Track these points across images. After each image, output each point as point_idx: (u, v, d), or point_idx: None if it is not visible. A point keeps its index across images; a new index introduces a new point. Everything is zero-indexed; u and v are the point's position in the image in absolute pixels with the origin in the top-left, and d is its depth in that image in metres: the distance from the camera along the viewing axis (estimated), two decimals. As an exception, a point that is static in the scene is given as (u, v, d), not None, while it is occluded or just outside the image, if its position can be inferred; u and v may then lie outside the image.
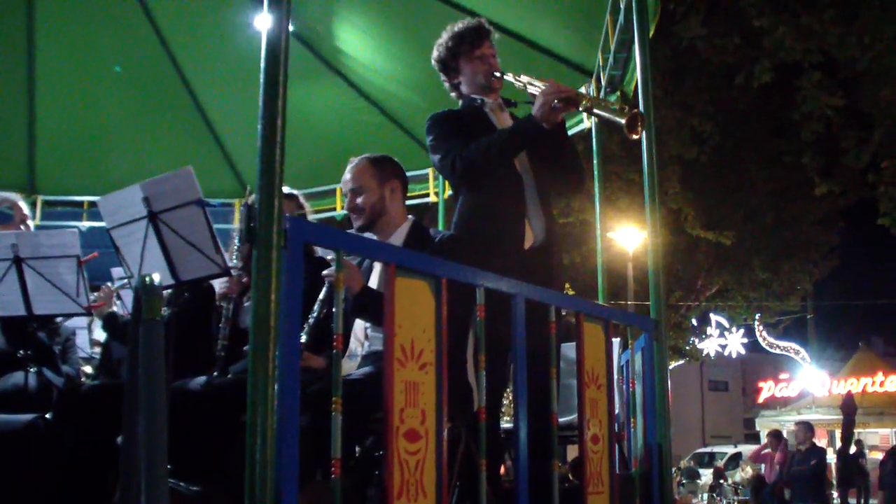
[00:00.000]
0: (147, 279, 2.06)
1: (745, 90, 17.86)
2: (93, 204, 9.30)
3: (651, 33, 5.05)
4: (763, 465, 15.43)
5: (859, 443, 22.66)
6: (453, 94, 4.70)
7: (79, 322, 5.81)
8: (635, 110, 4.11)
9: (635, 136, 4.11)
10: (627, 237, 21.37)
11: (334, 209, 9.22)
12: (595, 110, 4.23)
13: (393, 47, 7.53)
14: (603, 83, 6.66)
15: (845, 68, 15.86)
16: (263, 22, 2.68)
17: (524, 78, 4.42)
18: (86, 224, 9.06)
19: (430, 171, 8.68)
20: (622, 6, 5.79)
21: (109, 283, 5.10)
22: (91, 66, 7.91)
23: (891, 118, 16.10)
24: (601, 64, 6.67)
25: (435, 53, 4.65)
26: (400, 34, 7.31)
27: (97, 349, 6.24)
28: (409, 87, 7.89)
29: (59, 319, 5.26)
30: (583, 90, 7.05)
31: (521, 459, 3.38)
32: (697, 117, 18.89)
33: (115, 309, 5.04)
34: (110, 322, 4.81)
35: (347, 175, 4.27)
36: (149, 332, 1.95)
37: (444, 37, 4.59)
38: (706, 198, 21.38)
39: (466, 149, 4.22)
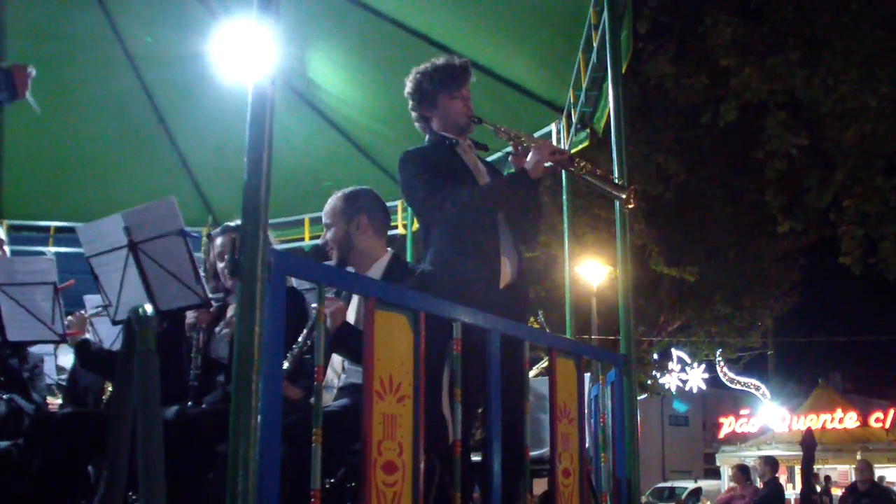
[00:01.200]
0: (140, 310, 2.08)
1: (711, 129, 18.07)
2: (60, 230, 9.25)
3: (623, 70, 5.13)
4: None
5: (827, 479, 22.84)
6: (418, 125, 4.71)
7: (45, 348, 5.78)
8: (633, 187, 4.23)
9: (631, 207, 4.21)
10: (592, 272, 21.49)
11: (302, 239, 9.24)
12: (587, 177, 4.30)
13: (365, 79, 7.56)
14: (574, 120, 6.74)
15: (809, 109, 16.09)
16: (252, 61, 2.71)
17: (513, 132, 4.49)
18: (52, 249, 8.99)
19: (398, 203, 8.72)
20: (595, 45, 5.87)
21: (83, 311, 5.07)
22: (62, 92, 7.87)
23: (853, 158, 16.32)
24: (572, 101, 6.75)
25: (413, 84, 4.63)
26: (372, 66, 7.34)
27: (63, 375, 6.19)
28: (380, 119, 7.93)
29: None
30: (553, 128, 7.17)
31: (494, 492, 3.41)
32: (663, 154, 19.08)
33: (87, 336, 5.01)
34: (83, 349, 4.76)
35: (322, 212, 4.38)
36: (144, 364, 1.97)
37: (427, 68, 4.57)
38: (670, 234, 21.56)
39: (458, 195, 4.24)
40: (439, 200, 4.26)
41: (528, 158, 4.32)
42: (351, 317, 4.05)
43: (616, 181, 4.35)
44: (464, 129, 4.57)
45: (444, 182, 4.30)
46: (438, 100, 4.55)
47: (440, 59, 4.59)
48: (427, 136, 4.67)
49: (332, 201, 4.33)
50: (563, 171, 6.81)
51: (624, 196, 4.20)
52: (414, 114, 4.69)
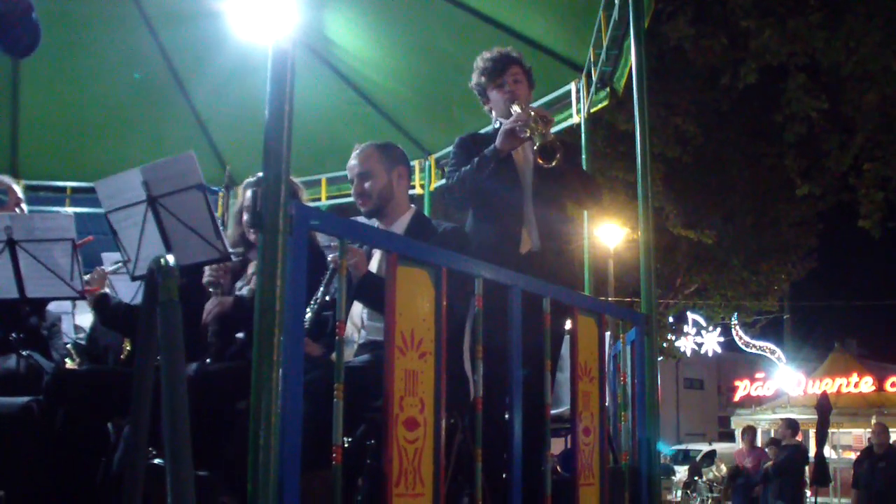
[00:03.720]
0: (163, 260, 2.05)
1: (729, 92, 17.94)
2: (76, 190, 9.24)
3: (646, 24, 5.10)
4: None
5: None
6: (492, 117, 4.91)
7: (64, 307, 5.77)
8: (555, 140, 4.24)
9: (543, 163, 4.23)
10: (609, 234, 21.43)
11: (319, 199, 9.21)
12: (533, 137, 4.30)
13: (383, 38, 7.51)
14: (594, 79, 6.68)
15: (829, 72, 15.95)
16: (270, 20, 2.68)
17: (515, 107, 4.54)
18: (68, 209, 8.97)
19: (416, 163, 8.69)
20: (616, 2, 5.81)
21: (102, 267, 5.05)
22: (77, 51, 7.83)
23: (873, 122, 16.21)
24: (592, 60, 6.69)
25: (471, 82, 4.89)
26: (391, 25, 7.29)
27: (81, 335, 6.19)
28: (398, 78, 7.89)
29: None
30: (573, 87, 7.10)
31: (514, 450, 3.40)
32: (681, 117, 18.93)
33: (106, 290, 5.00)
34: (101, 303, 4.74)
35: (354, 160, 4.32)
36: (167, 314, 1.94)
37: (477, 64, 4.82)
38: (687, 197, 21.43)
39: (452, 181, 4.50)
40: (446, 185, 4.57)
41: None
42: (373, 270, 4.04)
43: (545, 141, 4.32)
44: (509, 115, 4.61)
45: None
46: (488, 92, 4.79)
47: (487, 53, 4.80)
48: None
49: (364, 152, 4.32)
50: (582, 128, 6.87)
51: (538, 143, 4.22)
52: (485, 108, 4.91)
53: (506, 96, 4.66)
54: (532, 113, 4.35)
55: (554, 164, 4.20)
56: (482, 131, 4.88)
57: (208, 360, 4.08)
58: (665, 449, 29.95)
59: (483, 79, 4.75)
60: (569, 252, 4.78)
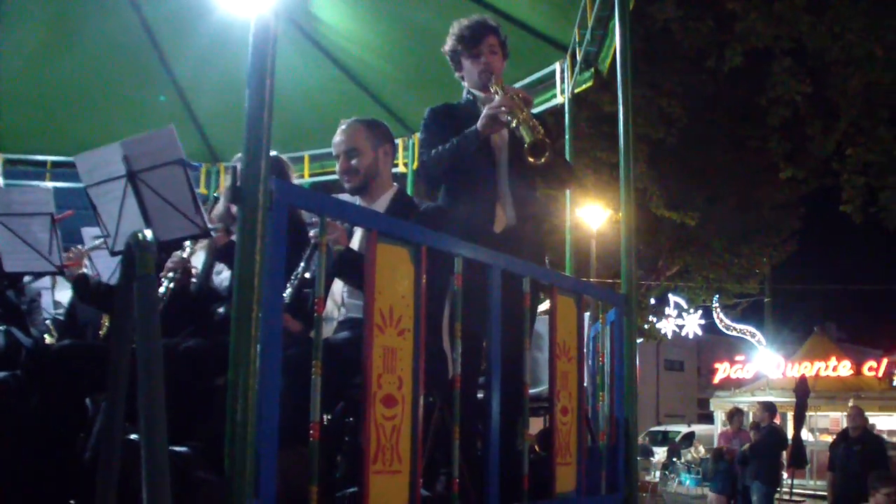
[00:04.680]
0: (140, 235, 2.04)
1: (715, 74, 17.98)
2: (56, 164, 9.18)
3: (631, 6, 5.09)
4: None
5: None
6: (464, 85, 4.83)
7: (43, 283, 5.75)
8: (543, 139, 4.18)
9: (532, 160, 4.18)
10: (592, 215, 21.44)
11: (302, 176, 9.18)
12: (519, 127, 4.25)
13: (368, 15, 7.46)
14: (578, 59, 6.67)
15: (815, 56, 15.99)
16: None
17: (500, 84, 4.49)
18: (49, 184, 8.90)
19: (400, 141, 8.66)
20: (602, -19, 5.80)
21: (80, 245, 5.02)
22: (60, 25, 7.76)
23: (856, 107, 16.28)
24: (577, 40, 6.67)
25: (444, 47, 4.78)
26: (376, 2, 7.25)
27: (60, 311, 6.17)
28: (383, 55, 7.85)
29: (25, 279, 5.19)
30: (557, 67, 7.08)
31: (492, 428, 3.41)
32: (666, 98, 18.95)
33: (85, 270, 4.97)
34: (81, 283, 4.72)
35: (340, 137, 4.29)
36: (144, 288, 1.93)
37: (452, 31, 4.72)
38: (671, 179, 21.46)
39: (426, 157, 4.42)
40: (419, 162, 4.55)
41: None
42: (354, 247, 4.03)
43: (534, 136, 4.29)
44: (483, 86, 4.61)
45: (447, 136, 4.40)
46: (462, 61, 4.71)
47: (464, 21, 4.71)
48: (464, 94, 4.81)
49: (352, 128, 4.30)
50: (566, 109, 6.85)
51: (529, 139, 4.17)
52: (457, 76, 4.83)
53: (480, 67, 4.59)
54: (514, 97, 4.32)
55: (543, 160, 4.16)
56: (455, 102, 4.77)
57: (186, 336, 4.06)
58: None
59: (459, 46, 4.67)
60: (545, 228, 4.74)
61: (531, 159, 4.17)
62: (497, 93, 4.41)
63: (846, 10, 14.38)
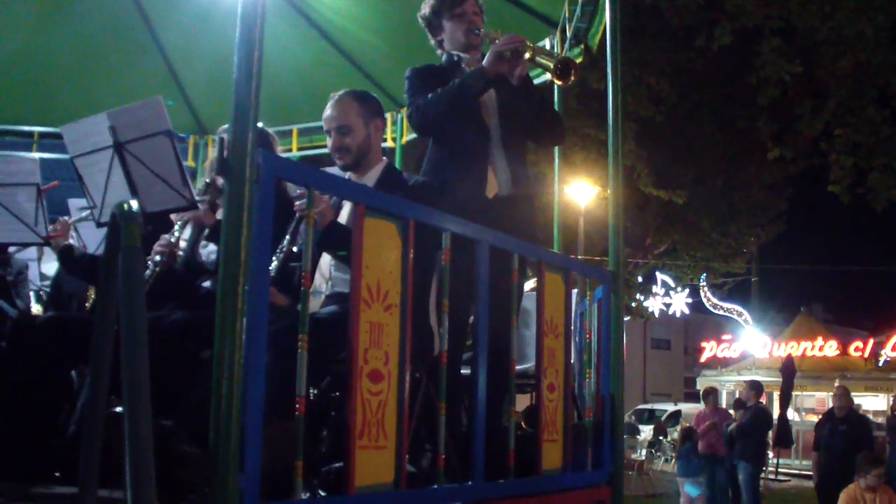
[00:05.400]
0: (125, 205, 2.02)
1: (704, 52, 17.93)
2: (43, 135, 9.13)
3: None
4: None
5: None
6: (439, 52, 4.75)
7: (29, 254, 5.72)
8: (566, 56, 4.20)
9: (559, 82, 4.23)
10: (580, 192, 21.43)
11: (290, 150, 9.14)
12: (537, 58, 4.28)
13: (358, -11, 7.44)
14: (568, 35, 6.64)
15: (804, 36, 15.97)
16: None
17: (492, 33, 4.44)
18: (36, 155, 8.85)
19: (388, 115, 8.62)
20: (592, -43, 5.77)
21: (66, 218, 4.98)
22: (46, -5, 7.70)
23: (845, 88, 16.28)
24: (567, 15, 6.64)
25: (420, 12, 4.71)
26: (367, -24, 7.22)
27: (46, 282, 6.15)
28: (373, 30, 7.81)
29: (11, 250, 5.16)
30: (547, 43, 7.05)
31: (478, 405, 3.41)
32: (655, 76, 18.91)
33: (71, 241, 4.94)
34: (67, 254, 4.69)
35: (332, 111, 4.20)
36: (129, 258, 1.92)
37: None
38: (659, 156, 21.44)
39: (422, 101, 4.31)
40: (410, 112, 4.40)
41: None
42: (343, 221, 4.00)
43: (556, 58, 4.30)
44: (468, 45, 4.58)
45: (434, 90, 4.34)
46: (442, 22, 4.63)
47: None
48: (443, 59, 4.73)
49: (343, 103, 4.19)
50: (555, 88, 6.81)
51: (551, 65, 4.20)
52: (432, 42, 4.76)
53: (465, 26, 4.54)
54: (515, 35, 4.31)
55: (572, 79, 4.16)
56: (437, 65, 4.69)
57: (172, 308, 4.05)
58: None
59: (440, 7, 4.59)
60: (536, 204, 4.72)
61: (559, 82, 4.19)
62: (493, 40, 4.36)
63: (837, -10, 14.38)
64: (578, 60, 6.79)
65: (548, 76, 6.97)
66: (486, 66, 4.25)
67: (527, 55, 4.22)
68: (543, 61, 4.26)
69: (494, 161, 4.42)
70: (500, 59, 4.23)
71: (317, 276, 4.06)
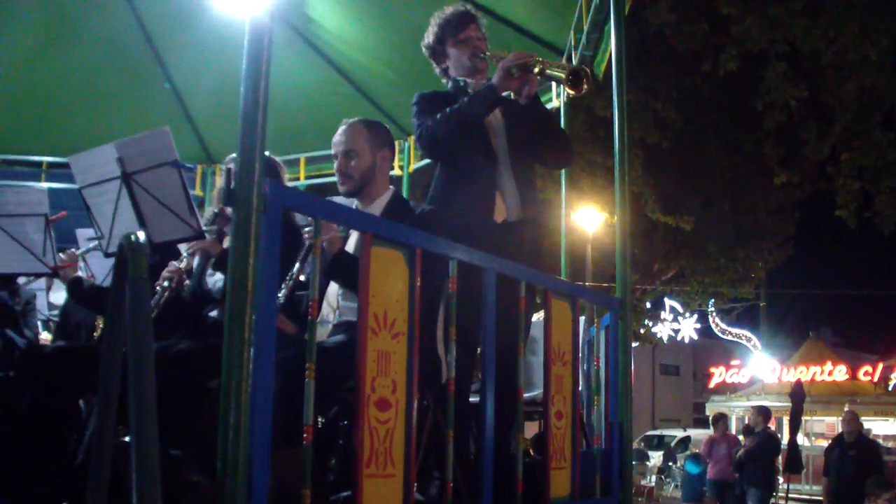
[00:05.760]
0: (133, 237, 2.03)
1: (709, 78, 17.97)
2: (52, 165, 9.17)
3: (626, 12, 5.08)
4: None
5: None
6: (444, 80, 4.77)
7: (38, 285, 5.73)
8: (580, 66, 4.21)
9: (574, 92, 4.21)
10: (587, 219, 21.44)
11: (298, 178, 9.17)
12: (547, 71, 4.27)
13: (365, 18, 7.47)
14: (574, 63, 6.67)
15: (809, 60, 16.01)
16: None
17: (499, 53, 4.45)
18: (44, 185, 8.89)
19: (396, 144, 8.64)
20: (598, -15, 5.81)
21: (74, 249, 5.00)
22: (56, 25, 7.74)
23: (851, 112, 16.28)
24: (573, 44, 6.68)
25: (424, 41, 4.73)
26: (372, 4, 7.26)
27: (55, 312, 6.16)
28: (380, 59, 7.85)
29: (20, 280, 5.18)
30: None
31: (486, 432, 3.40)
32: (661, 102, 18.96)
33: (80, 273, 4.96)
34: (76, 286, 4.71)
35: (340, 136, 4.23)
36: (136, 290, 1.92)
37: (432, 23, 4.67)
38: (666, 183, 21.48)
39: (431, 121, 4.31)
40: (419, 133, 4.38)
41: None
42: (350, 251, 4.01)
43: (566, 67, 4.32)
44: (473, 69, 4.59)
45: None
46: (446, 49, 4.65)
47: (444, 11, 4.68)
48: (448, 86, 4.73)
49: (353, 128, 4.24)
50: (562, 113, 6.84)
51: (564, 75, 4.20)
52: (437, 71, 4.78)
53: (470, 51, 4.56)
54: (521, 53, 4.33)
55: (584, 88, 4.15)
56: (443, 91, 4.70)
57: (181, 338, 4.05)
58: None
59: (443, 34, 4.62)
60: (546, 225, 4.71)
61: (573, 91, 4.17)
62: (500, 59, 4.36)
63: (841, 14, 14.38)
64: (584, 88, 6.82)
65: (553, 104, 7.07)
66: (496, 83, 4.25)
67: (536, 69, 4.21)
68: (555, 73, 4.25)
69: (503, 185, 4.40)
70: (508, 75, 4.23)
71: (324, 305, 4.07)
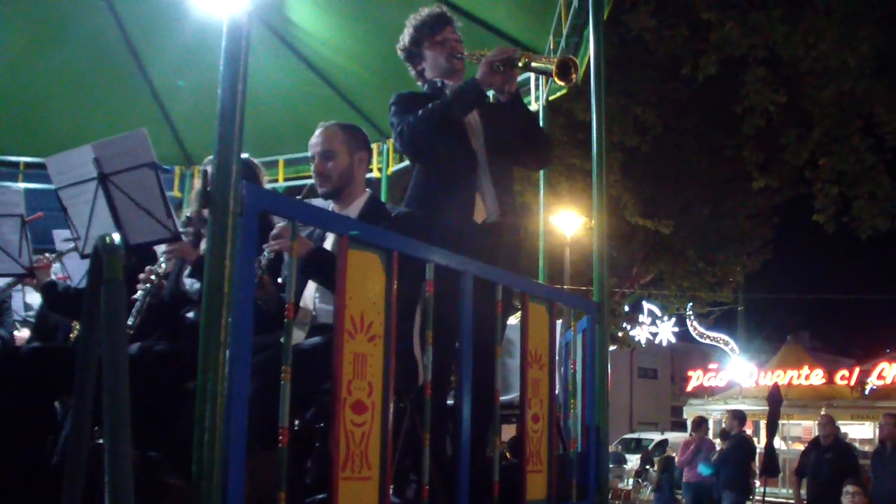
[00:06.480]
0: (108, 238, 2.03)
1: (689, 82, 18.05)
2: (29, 165, 9.12)
3: (605, 16, 5.10)
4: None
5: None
6: (419, 83, 4.76)
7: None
8: (567, 57, 4.21)
9: (563, 83, 4.21)
10: (566, 222, 21.45)
11: (276, 180, 9.16)
12: (532, 64, 4.29)
13: (344, 20, 7.46)
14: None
15: (789, 66, 16.11)
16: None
17: (478, 52, 4.46)
18: (21, 185, 8.84)
19: (374, 146, 8.65)
20: (577, -10, 5.82)
21: (48, 254, 4.97)
22: (34, 25, 7.69)
23: (830, 117, 16.39)
24: (552, 47, 6.69)
25: (400, 44, 4.72)
26: (351, 7, 7.24)
27: (31, 312, 6.13)
28: (359, 61, 7.84)
29: (-2, 282, 5.15)
30: (531, 74, 7.09)
31: (463, 435, 3.41)
32: (641, 106, 19.01)
33: (53, 277, 4.92)
34: (50, 290, 4.69)
35: (317, 138, 4.23)
36: (111, 292, 1.92)
37: (408, 25, 4.66)
38: (645, 186, 21.54)
39: (412, 118, 4.29)
40: (400, 131, 4.35)
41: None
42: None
43: (553, 61, 4.31)
44: (450, 70, 4.58)
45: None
46: (423, 51, 4.64)
47: (420, 13, 4.67)
48: (424, 89, 4.73)
49: (329, 131, 4.24)
50: (541, 122, 6.84)
51: (553, 67, 4.18)
52: (412, 73, 4.77)
53: (447, 52, 4.54)
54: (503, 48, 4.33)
55: (573, 79, 4.16)
56: (421, 92, 4.70)
57: (156, 339, 4.05)
58: None
59: (419, 36, 4.61)
60: (521, 234, 4.70)
61: (562, 82, 4.17)
62: (480, 58, 4.35)
63: (820, 20, 14.51)
64: (562, 92, 6.84)
65: (532, 108, 7.07)
66: (479, 78, 4.24)
67: (521, 63, 4.21)
68: (542, 65, 4.26)
69: (482, 186, 4.40)
70: (491, 70, 4.23)
71: (301, 307, 4.07)
